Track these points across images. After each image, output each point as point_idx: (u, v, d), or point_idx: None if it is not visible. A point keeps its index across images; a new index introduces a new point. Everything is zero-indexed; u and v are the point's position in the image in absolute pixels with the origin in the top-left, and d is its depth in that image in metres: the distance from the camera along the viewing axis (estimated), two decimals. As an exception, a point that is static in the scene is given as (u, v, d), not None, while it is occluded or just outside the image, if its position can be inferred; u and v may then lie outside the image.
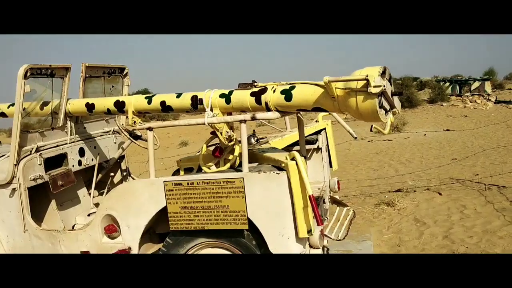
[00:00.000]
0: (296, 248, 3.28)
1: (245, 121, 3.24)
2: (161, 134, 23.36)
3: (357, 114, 2.90)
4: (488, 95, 23.50)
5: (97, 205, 4.70)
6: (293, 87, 3.20)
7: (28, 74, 3.71)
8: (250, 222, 3.30)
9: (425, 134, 13.45)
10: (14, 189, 3.84)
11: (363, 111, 2.84)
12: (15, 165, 3.78)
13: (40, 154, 3.98)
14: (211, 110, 3.45)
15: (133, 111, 3.84)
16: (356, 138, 4.51)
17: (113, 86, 4.86)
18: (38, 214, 4.17)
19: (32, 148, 3.94)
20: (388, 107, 2.91)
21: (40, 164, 3.97)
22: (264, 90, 3.31)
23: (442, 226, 5.30)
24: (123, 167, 5.17)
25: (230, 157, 3.61)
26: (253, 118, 3.24)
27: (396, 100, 2.98)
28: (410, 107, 21.17)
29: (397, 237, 5.21)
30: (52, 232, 3.78)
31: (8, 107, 4.64)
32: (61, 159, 4.27)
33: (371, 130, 3.14)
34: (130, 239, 3.56)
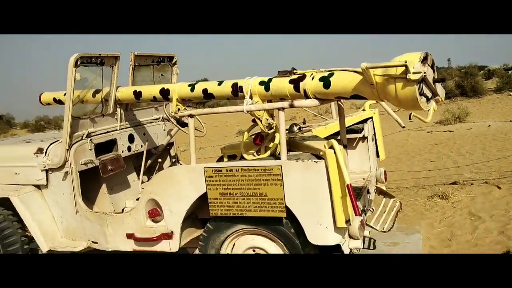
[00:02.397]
0: (334, 238, 3.24)
1: (283, 108, 3.22)
2: (220, 122, 23.78)
3: (397, 102, 2.80)
4: None
5: (143, 190, 4.86)
6: (331, 74, 3.13)
7: (79, 62, 3.87)
8: (288, 211, 3.29)
9: (489, 125, 12.76)
10: (66, 173, 4.04)
11: (403, 98, 2.74)
12: (67, 149, 3.97)
13: (90, 140, 4.15)
14: (251, 97, 3.45)
15: (177, 99, 3.92)
16: (404, 127, 4.35)
17: (162, 75, 4.98)
18: (90, 197, 4.37)
19: (83, 134, 4.12)
20: (429, 95, 2.79)
21: (90, 149, 4.15)
22: (302, 77, 3.27)
23: (499, 221, 5.03)
24: (172, 153, 5.30)
25: (271, 144, 3.61)
26: (291, 106, 3.21)
27: (439, 88, 2.85)
28: (474, 97, 20.17)
29: (448, 231, 5.00)
30: (100, 215, 3.95)
31: (64, 94, 4.87)
32: (111, 144, 4.44)
33: (409, 119, 3.03)
34: (172, 223, 3.65)
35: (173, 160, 5.33)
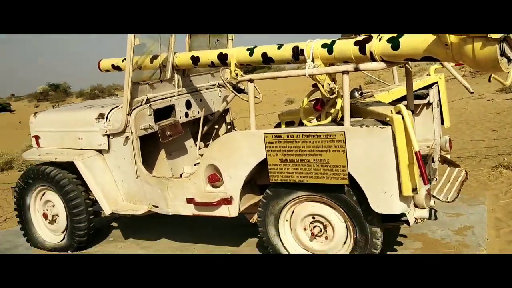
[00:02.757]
0: (399, 207, 3.13)
1: (347, 72, 3.09)
2: (268, 91, 23.62)
3: (474, 63, 2.61)
4: None
5: (203, 156, 4.89)
6: (401, 35, 2.96)
7: None
8: (350, 178, 3.20)
9: (557, 93, 11.99)
10: (127, 138, 4.11)
11: (481, 59, 2.55)
12: (128, 115, 4.02)
13: (150, 105, 4.18)
14: (312, 61, 3.34)
15: (235, 63, 3.86)
16: (472, 93, 4.12)
17: (218, 40, 4.93)
18: (149, 162, 4.44)
19: (143, 99, 4.15)
20: (511, 55, 2.58)
21: (150, 115, 4.18)
22: (369, 38, 3.11)
23: None
24: (228, 120, 5.29)
25: (332, 110, 3.50)
26: (356, 69, 3.08)
27: None
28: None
29: (516, 203, 4.76)
30: (161, 179, 4.00)
31: (122, 61, 4.92)
32: (169, 110, 4.47)
33: (489, 81, 2.83)
34: (231, 189, 3.65)
35: (229, 126, 5.32)
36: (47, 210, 4.62)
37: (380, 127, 3.03)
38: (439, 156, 4.30)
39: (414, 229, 4.21)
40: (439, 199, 4.05)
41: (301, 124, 3.73)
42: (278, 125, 4.00)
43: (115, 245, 4.75)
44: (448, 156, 4.38)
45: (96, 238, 4.83)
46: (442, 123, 4.43)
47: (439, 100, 4.35)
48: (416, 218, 3.32)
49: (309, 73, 3.24)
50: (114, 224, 5.39)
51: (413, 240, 4.04)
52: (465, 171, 4.27)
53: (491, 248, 3.88)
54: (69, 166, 4.39)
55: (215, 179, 3.70)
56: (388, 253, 2.78)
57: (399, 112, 2.98)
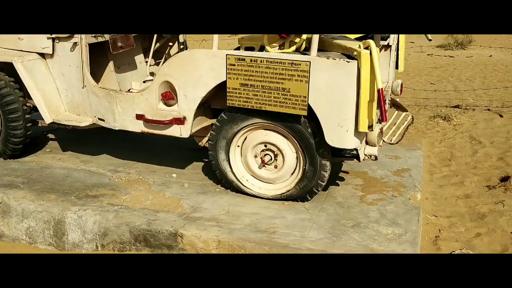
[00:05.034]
0: (353, 142, 3.20)
1: None
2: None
3: None
4: None
5: (152, 74, 4.68)
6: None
7: None
8: (309, 109, 3.20)
9: (490, 56, 12.62)
10: (75, 43, 3.82)
11: None
12: None
13: None
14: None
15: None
16: (431, 40, 4.18)
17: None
18: (96, 74, 4.18)
19: None
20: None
21: None
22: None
23: (499, 148, 5.08)
24: (181, 39, 5.05)
25: (297, 39, 3.43)
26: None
27: None
28: (478, 26, 19.69)
29: (449, 151, 5.06)
30: (110, 92, 3.80)
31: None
32: None
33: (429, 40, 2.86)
34: (186, 108, 3.54)
35: (182, 46, 5.10)
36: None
37: (346, 61, 3.01)
38: (390, 99, 4.40)
39: (355, 167, 4.37)
40: (383, 140, 4.19)
41: (261, 50, 3.64)
42: (237, 50, 3.88)
43: (53, 156, 4.53)
44: (398, 100, 4.50)
45: (31, 148, 4.58)
46: (397, 67, 4.50)
47: (397, 44, 4.39)
48: (366, 155, 3.42)
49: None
50: (51, 136, 5.12)
51: (354, 177, 4.20)
52: (412, 116, 4.42)
53: (425, 190, 4.13)
54: (7, 68, 4.04)
55: (169, 97, 3.57)
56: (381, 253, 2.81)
57: (367, 48, 2.97)
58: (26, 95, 4.11)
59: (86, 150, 4.66)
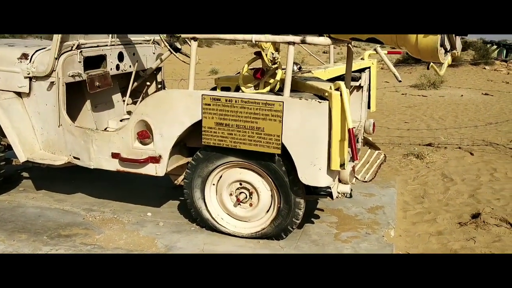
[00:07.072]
0: (326, 180, 3.26)
1: (294, 43, 3.12)
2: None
3: (415, 51, 2.75)
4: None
5: (129, 112, 4.72)
6: (350, 14, 3.03)
7: None
8: (283, 148, 3.27)
9: (462, 95, 13.04)
10: (52, 83, 3.85)
11: (422, 47, 2.70)
12: (56, 58, 3.76)
13: (80, 52, 3.94)
14: (260, 28, 3.32)
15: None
16: (400, 81, 4.35)
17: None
18: (72, 112, 4.20)
19: (74, 44, 3.90)
20: (448, 47, 2.76)
21: (79, 62, 3.95)
22: (318, 13, 3.15)
23: (470, 185, 5.21)
24: (159, 79, 5.14)
25: (271, 80, 3.54)
26: (303, 41, 3.11)
27: (458, 42, 2.82)
28: (450, 66, 20.41)
29: (422, 189, 5.15)
30: (86, 130, 3.81)
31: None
32: (100, 60, 4.24)
33: (428, 68, 3.00)
34: (161, 147, 3.57)
35: (159, 86, 5.17)
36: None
37: (318, 101, 3.11)
38: (363, 138, 4.52)
39: (330, 204, 4.42)
40: (357, 178, 4.27)
41: (237, 90, 3.72)
42: (213, 90, 3.96)
43: (26, 195, 4.48)
44: (370, 139, 4.61)
45: (4, 187, 4.52)
46: (369, 107, 4.64)
47: (369, 84, 4.55)
48: (339, 193, 3.48)
49: (255, 39, 3.23)
50: (25, 174, 5.07)
51: (329, 215, 4.24)
52: (384, 154, 4.53)
53: (398, 227, 4.18)
54: None
55: (145, 136, 3.60)
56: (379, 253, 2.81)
57: (338, 89, 3.07)
58: (0, 134, 4.09)
59: (60, 188, 4.62)
